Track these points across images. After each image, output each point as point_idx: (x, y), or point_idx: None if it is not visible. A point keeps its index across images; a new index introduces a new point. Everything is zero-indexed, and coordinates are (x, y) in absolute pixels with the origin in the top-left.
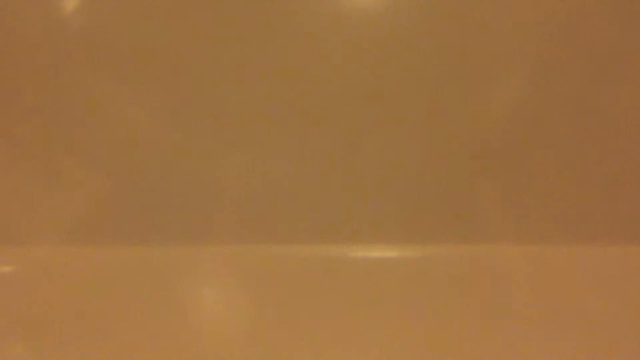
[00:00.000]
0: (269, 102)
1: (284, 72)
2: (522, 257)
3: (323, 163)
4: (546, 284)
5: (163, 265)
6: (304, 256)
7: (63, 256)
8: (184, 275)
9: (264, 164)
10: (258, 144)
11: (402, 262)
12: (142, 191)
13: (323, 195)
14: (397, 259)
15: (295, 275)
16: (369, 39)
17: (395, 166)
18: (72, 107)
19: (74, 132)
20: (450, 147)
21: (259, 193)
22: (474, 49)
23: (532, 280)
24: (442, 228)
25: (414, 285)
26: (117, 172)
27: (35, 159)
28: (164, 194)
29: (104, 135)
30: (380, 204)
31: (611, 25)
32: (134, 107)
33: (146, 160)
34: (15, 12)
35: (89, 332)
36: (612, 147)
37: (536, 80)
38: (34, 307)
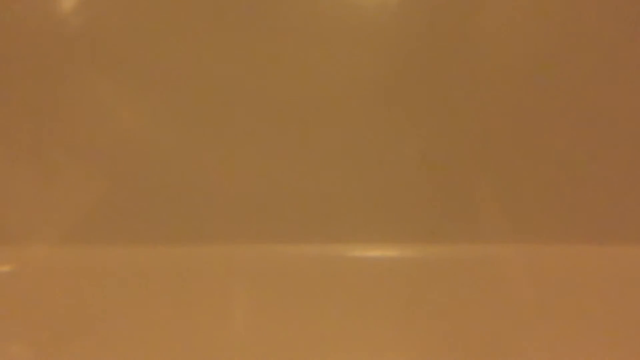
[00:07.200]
0: (269, 102)
1: (284, 71)
2: (522, 257)
3: (322, 163)
4: (546, 284)
5: (163, 265)
6: (304, 255)
7: (62, 256)
8: (184, 275)
9: (264, 164)
10: (258, 143)
11: (402, 261)
12: (142, 191)
13: (322, 194)
14: (397, 259)
15: (295, 274)
16: (368, 39)
17: (395, 166)
18: (71, 106)
19: (73, 132)
20: (450, 147)
21: (258, 193)
22: (473, 49)
23: (531, 280)
24: (442, 228)
25: (414, 285)
26: (116, 172)
27: (35, 158)
28: (164, 194)
29: (103, 135)
30: (380, 203)
31: (611, 25)
32: (134, 107)
33: (145, 160)
34: (15, 11)
35: (88, 332)
36: (612, 147)
37: (536, 80)
38: (33, 307)
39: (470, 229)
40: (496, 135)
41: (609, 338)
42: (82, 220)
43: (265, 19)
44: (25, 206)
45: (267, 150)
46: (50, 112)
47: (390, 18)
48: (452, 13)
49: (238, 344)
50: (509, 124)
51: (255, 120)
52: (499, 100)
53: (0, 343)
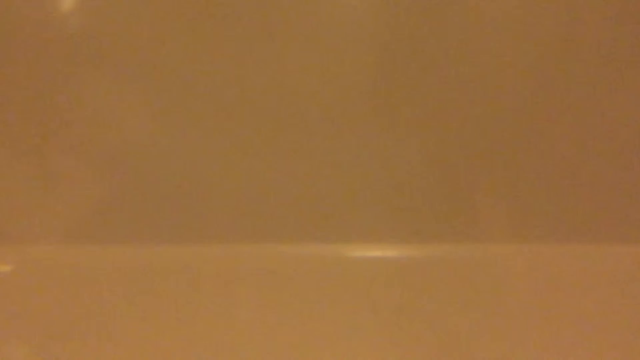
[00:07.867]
0: (268, 102)
1: (283, 72)
2: (522, 256)
3: (322, 163)
4: (546, 284)
5: (163, 265)
6: (304, 255)
7: (62, 256)
8: (183, 275)
9: (264, 164)
10: (258, 143)
11: (402, 261)
12: (142, 191)
13: (322, 194)
14: (397, 259)
15: (295, 274)
16: (368, 39)
17: (395, 166)
18: (72, 107)
19: (73, 132)
20: (450, 147)
21: (258, 193)
22: (473, 49)
23: (532, 280)
24: (442, 228)
25: (414, 285)
26: (116, 172)
27: (35, 158)
28: (164, 194)
29: (104, 135)
30: (381, 203)
31: (611, 25)
32: (133, 107)
33: (146, 160)
34: (14, 12)
35: (88, 332)
36: (612, 147)
37: (536, 80)
38: (33, 307)
39: (470, 229)
40: (496, 135)
41: (609, 338)
42: (82, 220)
43: (265, 19)
44: (25, 206)
45: (267, 151)
46: (51, 113)
47: (392, 18)
48: (453, 12)
49: (238, 343)
50: (509, 125)
51: (255, 121)
52: (499, 100)
53: (0, 343)
